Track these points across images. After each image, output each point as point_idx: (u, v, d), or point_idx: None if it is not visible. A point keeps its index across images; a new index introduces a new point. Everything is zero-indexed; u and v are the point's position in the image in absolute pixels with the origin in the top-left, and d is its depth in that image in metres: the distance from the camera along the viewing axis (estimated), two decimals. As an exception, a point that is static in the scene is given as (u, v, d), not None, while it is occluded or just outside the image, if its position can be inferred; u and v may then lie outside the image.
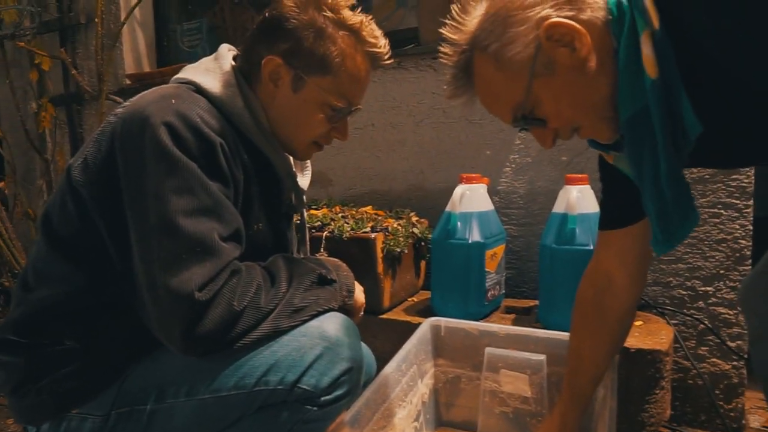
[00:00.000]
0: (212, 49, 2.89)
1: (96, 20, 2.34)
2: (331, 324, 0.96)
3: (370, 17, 1.05)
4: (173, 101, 0.92)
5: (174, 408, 0.92)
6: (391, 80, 2.04)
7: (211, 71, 1.03)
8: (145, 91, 0.99)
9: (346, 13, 1.01)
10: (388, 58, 1.07)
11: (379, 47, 1.05)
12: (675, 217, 0.83)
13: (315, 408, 0.92)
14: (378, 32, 1.05)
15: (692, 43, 0.73)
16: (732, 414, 1.64)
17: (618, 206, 1.02)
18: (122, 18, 2.52)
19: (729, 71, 0.73)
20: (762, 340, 0.97)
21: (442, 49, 0.88)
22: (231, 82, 1.01)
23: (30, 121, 2.71)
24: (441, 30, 0.88)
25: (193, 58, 2.89)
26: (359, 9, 1.04)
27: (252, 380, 0.90)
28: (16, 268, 2.43)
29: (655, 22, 0.73)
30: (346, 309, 1.06)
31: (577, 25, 0.77)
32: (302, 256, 1.21)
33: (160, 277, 0.84)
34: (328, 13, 1.00)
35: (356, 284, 1.12)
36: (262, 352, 0.91)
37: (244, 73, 1.04)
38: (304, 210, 1.20)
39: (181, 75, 1.04)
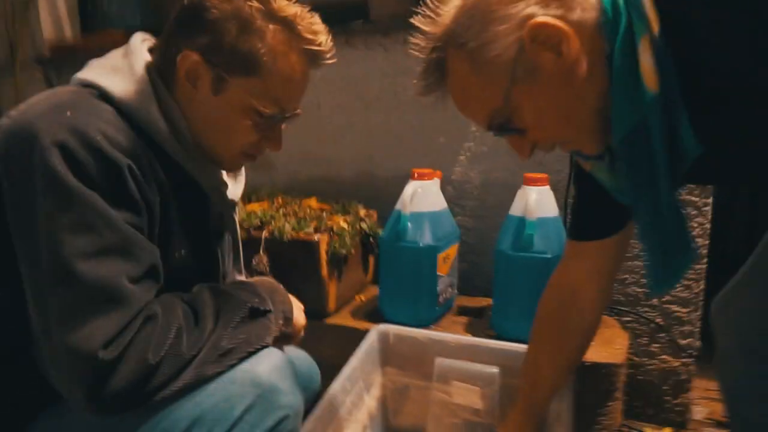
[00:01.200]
0: (144, 15, 2.60)
1: (5, -21, 2.08)
2: (264, 366, 0.85)
3: (309, 7, 0.90)
4: (68, 113, 0.77)
5: None
6: (338, 58, 1.88)
7: (120, 70, 0.87)
8: (38, 96, 0.83)
9: (279, 3, 0.86)
10: (330, 57, 0.93)
11: (319, 44, 0.90)
12: (676, 250, 0.77)
13: None
14: (318, 25, 0.90)
15: (695, 51, 0.66)
16: (677, 408, 1.66)
17: (593, 217, 0.96)
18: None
19: (737, 81, 0.65)
20: (731, 360, 0.94)
21: (414, 40, 0.78)
22: (143, 85, 0.86)
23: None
24: (413, 20, 0.78)
25: (122, 24, 2.61)
26: None
27: None
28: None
29: (655, 27, 0.65)
30: (285, 335, 0.96)
31: (565, 26, 0.68)
32: (236, 275, 1.09)
33: (57, 334, 0.72)
34: (256, 3, 0.85)
35: (295, 303, 1.01)
36: (184, 404, 0.79)
37: (160, 71, 0.89)
38: (236, 227, 1.07)
39: (82, 75, 0.88)
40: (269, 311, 0.91)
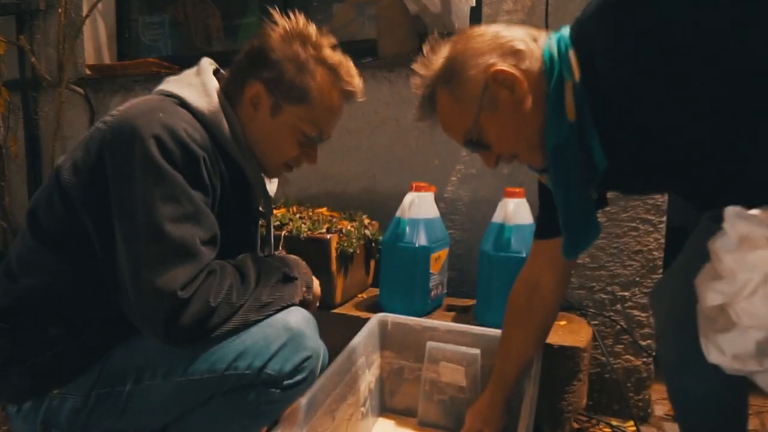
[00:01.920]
0: (174, 44, 2.90)
1: (60, 10, 2.35)
2: (294, 317, 1.08)
3: (348, 57, 1.14)
4: (161, 114, 0.99)
5: (151, 389, 1.01)
6: (349, 89, 2.15)
7: (195, 86, 1.10)
8: (133, 102, 1.06)
9: (327, 52, 1.10)
10: (361, 97, 1.17)
11: (354, 86, 1.14)
12: (580, 230, 1.02)
13: (278, 390, 1.04)
14: (354, 71, 1.14)
15: (603, 91, 0.91)
16: (640, 404, 1.86)
17: (550, 219, 1.17)
18: (84, 7, 2.53)
19: (631, 112, 0.90)
20: (665, 336, 1.16)
21: (412, 80, 1.06)
22: (213, 99, 1.09)
23: (-19, 105, 2.69)
24: (413, 65, 1.05)
25: (155, 52, 2.89)
26: (337, 48, 1.13)
27: (223, 365, 1.01)
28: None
29: (576, 75, 0.91)
30: (305, 302, 1.18)
31: (517, 73, 0.95)
32: (267, 251, 1.32)
33: (147, 277, 0.93)
34: (311, 50, 1.08)
35: (313, 278, 1.24)
36: (232, 341, 1.02)
37: (226, 92, 1.12)
38: (271, 215, 1.30)
39: (164, 87, 1.11)
40: (296, 278, 1.14)
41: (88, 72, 2.55)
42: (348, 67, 1.13)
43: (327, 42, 1.11)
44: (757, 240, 0.71)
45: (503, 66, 0.95)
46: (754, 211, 0.72)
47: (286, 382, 1.04)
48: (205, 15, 2.66)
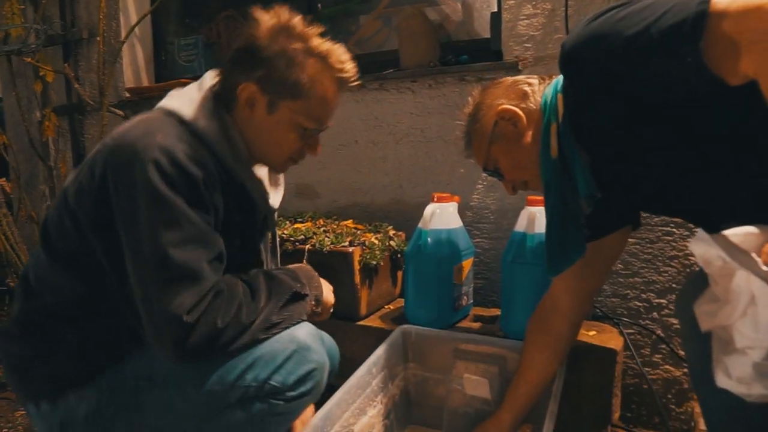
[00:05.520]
0: (208, 63, 2.99)
1: (98, 38, 2.46)
2: (301, 331, 1.09)
3: (340, 43, 1.12)
4: (159, 136, 0.99)
5: (161, 397, 1.04)
6: (373, 101, 2.17)
7: (194, 101, 1.10)
8: (132, 121, 1.07)
9: (315, 41, 1.08)
10: (355, 81, 1.15)
11: (346, 72, 1.12)
12: (559, 252, 1.11)
13: (282, 402, 1.06)
14: (345, 56, 1.12)
15: (582, 131, 1.01)
16: (682, 417, 1.78)
17: None
18: (122, 34, 2.65)
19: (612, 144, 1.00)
20: (688, 345, 1.12)
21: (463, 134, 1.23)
22: (211, 113, 1.08)
23: (34, 129, 2.84)
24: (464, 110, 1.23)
25: (190, 72, 2.99)
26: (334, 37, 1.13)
27: (231, 377, 1.03)
28: (21, 269, 2.55)
29: (560, 117, 1.02)
30: (315, 313, 1.20)
31: (520, 111, 1.10)
32: (272, 264, 1.33)
33: (155, 301, 0.96)
34: (298, 43, 1.07)
35: (326, 285, 1.24)
36: (240, 354, 1.04)
37: (222, 98, 1.11)
38: (275, 227, 1.32)
39: (166, 103, 1.11)
40: (306, 295, 1.15)
41: (127, 95, 2.66)
42: (338, 53, 1.11)
43: (314, 31, 1.09)
44: (713, 260, 0.73)
45: (508, 105, 1.11)
46: (729, 232, 0.73)
47: (289, 394, 1.06)
48: (236, 33, 2.72)
